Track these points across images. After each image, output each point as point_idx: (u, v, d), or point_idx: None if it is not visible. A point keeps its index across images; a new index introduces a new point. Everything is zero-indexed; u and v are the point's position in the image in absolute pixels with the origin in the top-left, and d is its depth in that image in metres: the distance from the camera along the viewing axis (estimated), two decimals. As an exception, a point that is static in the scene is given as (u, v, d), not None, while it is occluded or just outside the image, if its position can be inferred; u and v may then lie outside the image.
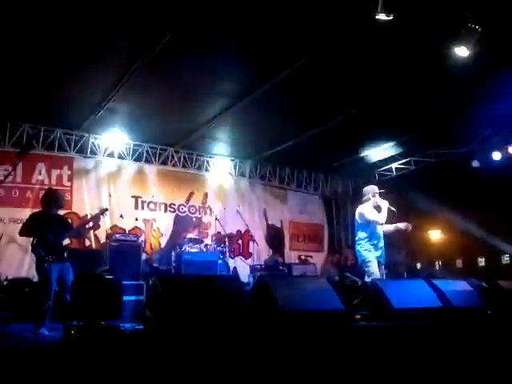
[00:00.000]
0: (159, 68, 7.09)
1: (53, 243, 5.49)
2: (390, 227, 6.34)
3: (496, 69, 6.92)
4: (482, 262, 11.39)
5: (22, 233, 5.80)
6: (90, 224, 7.15)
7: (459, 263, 11.74)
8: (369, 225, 6.18)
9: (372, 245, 6.10)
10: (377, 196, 6.30)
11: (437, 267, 12.01)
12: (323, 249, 12.75)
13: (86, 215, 9.39)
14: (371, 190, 6.38)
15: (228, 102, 8.35)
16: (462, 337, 4.45)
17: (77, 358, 2.89)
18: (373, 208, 6.25)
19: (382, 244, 6.20)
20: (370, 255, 6.06)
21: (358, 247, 6.24)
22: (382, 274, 6.16)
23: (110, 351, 3.03)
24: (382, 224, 6.21)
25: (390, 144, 10.31)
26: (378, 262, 6.10)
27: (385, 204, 6.19)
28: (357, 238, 6.30)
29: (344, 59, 6.92)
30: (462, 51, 6.12)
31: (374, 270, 5.99)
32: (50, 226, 5.56)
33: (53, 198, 5.90)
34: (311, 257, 12.28)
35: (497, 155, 9.61)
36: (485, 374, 3.94)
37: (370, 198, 6.30)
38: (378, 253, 6.12)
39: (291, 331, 3.92)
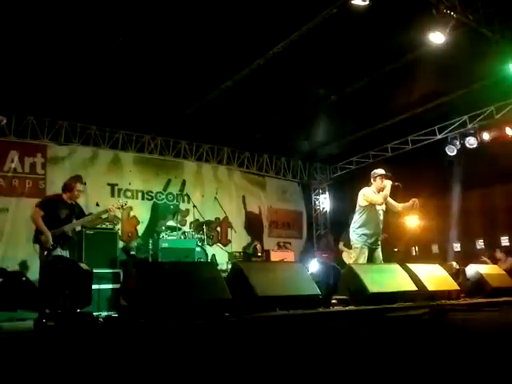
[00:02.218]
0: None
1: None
2: (398, 207, 6.29)
3: (471, 54, 6.99)
4: (457, 247, 11.55)
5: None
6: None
7: (435, 248, 11.91)
8: (366, 209, 6.16)
9: (364, 232, 6.10)
10: (378, 179, 6.20)
11: (413, 253, 12.16)
12: (302, 235, 12.83)
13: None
14: (375, 173, 6.31)
15: (209, 87, 8.26)
16: (436, 319, 4.52)
17: (49, 347, 2.85)
18: (375, 191, 6.21)
19: (378, 230, 6.18)
20: (359, 241, 6.09)
21: (351, 230, 6.26)
22: (378, 257, 6.18)
23: (83, 339, 2.99)
24: (380, 204, 6.17)
25: (367, 131, 10.35)
26: (371, 249, 6.12)
27: (388, 183, 6.11)
28: (352, 222, 6.30)
29: (320, 45, 6.91)
30: (436, 37, 6.16)
31: (359, 256, 6.02)
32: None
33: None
34: (290, 243, 12.35)
35: (472, 142, 9.73)
36: (460, 354, 4.00)
37: (373, 181, 6.27)
38: (372, 239, 6.12)
39: (268, 317, 3.93)
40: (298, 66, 7.53)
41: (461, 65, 7.31)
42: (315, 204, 13.29)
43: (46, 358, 2.67)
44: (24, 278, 8.00)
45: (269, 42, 6.90)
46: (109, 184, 10.11)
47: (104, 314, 5.97)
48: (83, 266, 4.18)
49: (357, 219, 6.19)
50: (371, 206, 6.16)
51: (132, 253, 9.09)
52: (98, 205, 9.79)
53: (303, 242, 12.71)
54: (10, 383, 2.54)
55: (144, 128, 10.19)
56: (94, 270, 6.20)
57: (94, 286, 6.39)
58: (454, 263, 7.57)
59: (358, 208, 6.26)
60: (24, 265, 8.28)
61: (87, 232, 7.76)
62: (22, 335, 3.11)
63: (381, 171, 6.28)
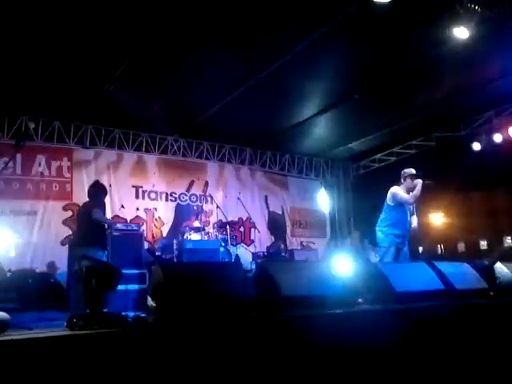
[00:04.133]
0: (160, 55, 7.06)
1: None
2: (410, 199, 6.17)
3: (496, 48, 6.86)
4: (484, 245, 11.36)
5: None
6: None
7: (461, 246, 11.74)
8: (395, 208, 6.13)
9: (392, 231, 6.07)
10: (409, 179, 6.15)
11: (439, 251, 12.01)
12: (326, 234, 12.76)
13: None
14: (406, 172, 6.27)
15: (228, 88, 8.29)
16: (465, 319, 4.46)
17: (80, 347, 2.90)
18: (405, 190, 6.17)
19: (406, 229, 6.15)
20: (386, 240, 6.07)
21: (377, 228, 6.24)
22: (405, 256, 6.14)
23: (113, 339, 3.04)
24: (411, 203, 6.15)
25: (390, 129, 10.25)
26: (398, 248, 6.08)
27: (419, 183, 6.07)
28: (379, 220, 6.28)
29: (344, 43, 6.87)
30: (461, 32, 6.07)
31: (386, 254, 6.00)
32: None
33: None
34: (313, 243, 12.30)
35: (498, 137, 9.56)
36: (489, 354, 3.95)
37: (403, 181, 6.23)
38: (400, 238, 6.10)
39: (294, 316, 3.93)
40: (319, 65, 7.50)
41: (485, 59, 7.19)
42: (339, 202, 13.21)
43: (79, 357, 2.73)
44: (52, 280, 8.17)
45: (289, 40, 6.89)
46: (133, 186, 10.24)
47: (131, 314, 6.04)
48: (110, 265, 4.25)
49: (385, 218, 6.16)
50: (400, 205, 6.13)
51: (157, 254, 9.17)
52: (123, 207, 9.95)
53: (327, 240, 12.64)
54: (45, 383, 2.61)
55: (167, 130, 10.29)
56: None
57: (121, 287, 6.50)
58: (484, 260, 7.42)
59: (386, 207, 6.22)
60: (52, 266, 8.44)
61: (114, 234, 7.86)
62: (53, 335, 3.17)
63: (411, 171, 6.24)
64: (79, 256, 5.44)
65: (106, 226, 6.28)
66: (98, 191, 6.27)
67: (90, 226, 5.78)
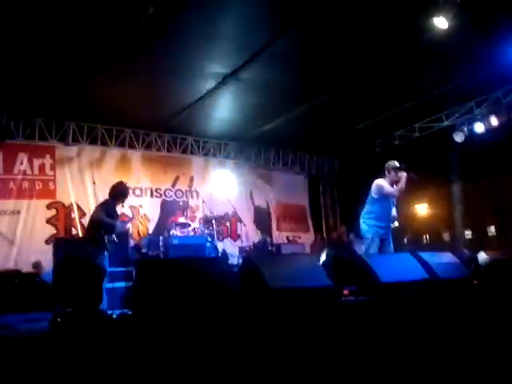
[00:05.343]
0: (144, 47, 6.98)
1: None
2: (395, 192, 6.18)
3: (477, 39, 6.91)
4: (468, 234, 11.50)
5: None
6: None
7: (446, 236, 11.86)
8: (379, 201, 6.14)
9: (375, 223, 6.09)
10: (393, 172, 6.16)
11: (424, 241, 12.12)
12: (309, 229, 12.79)
13: (71, 204, 9.34)
14: (389, 165, 6.27)
15: (212, 83, 8.25)
16: (449, 307, 4.51)
17: (65, 346, 2.88)
18: (389, 183, 6.18)
19: (389, 221, 6.20)
20: (370, 232, 6.09)
21: (361, 220, 6.25)
22: (389, 247, 6.17)
23: (98, 336, 3.02)
24: (396, 196, 6.18)
25: (374, 120, 10.29)
26: (382, 240, 6.12)
27: (403, 176, 6.07)
28: (362, 213, 6.29)
29: (324, 34, 6.87)
30: (441, 22, 6.10)
31: (371, 246, 6.02)
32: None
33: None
34: (299, 237, 12.33)
35: (479, 127, 9.63)
36: (473, 342, 4.00)
37: (387, 173, 6.24)
38: (384, 230, 6.12)
39: (281, 309, 3.93)
40: (300, 56, 7.49)
41: (467, 50, 7.23)
42: (324, 196, 13.26)
43: (63, 356, 2.70)
44: (38, 279, 8.08)
45: (270, 34, 6.85)
46: (118, 183, 10.14)
47: (117, 312, 6.02)
48: (95, 263, 4.23)
49: (368, 210, 6.18)
50: (384, 197, 6.15)
51: (143, 251, 9.13)
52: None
53: (312, 235, 12.68)
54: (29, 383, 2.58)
55: (150, 125, 10.22)
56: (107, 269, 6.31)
57: (108, 285, 6.47)
58: (466, 250, 7.52)
59: (370, 199, 6.24)
60: (38, 266, 8.36)
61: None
62: (37, 335, 3.15)
63: (395, 163, 6.24)
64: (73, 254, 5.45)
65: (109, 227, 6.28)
66: (112, 191, 6.56)
67: (90, 226, 5.93)
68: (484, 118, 9.54)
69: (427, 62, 7.63)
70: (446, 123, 10.24)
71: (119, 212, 9.83)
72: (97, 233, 6.14)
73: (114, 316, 3.58)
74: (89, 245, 5.99)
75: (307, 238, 12.39)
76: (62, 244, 7.85)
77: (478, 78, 8.23)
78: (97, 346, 2.92)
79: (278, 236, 12.01)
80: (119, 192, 6.62)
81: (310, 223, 12.85)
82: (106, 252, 6.18)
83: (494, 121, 9.41)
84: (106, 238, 6.15)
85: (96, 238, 6.12)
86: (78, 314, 3.41)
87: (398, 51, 7.33)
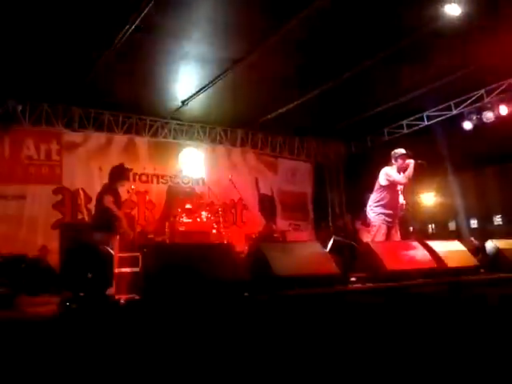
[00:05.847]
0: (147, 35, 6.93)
1: None
2: (403, 179, 6.20)
3: (486, 26, 6.82)
4: (474, 223, 11.46)
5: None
6: None
7: (452, 226, 11.83)
8: (386, 189, 6.15)
9: (383, 210, 6.11)
10: (400, 159, 6.15)
11: (430, 230, 12.09)
12: (308, 217, 12.73)
13: (77, 190, 9.35)
14: (396, 153, 6.26)
15: (219, 69, 8.20)
16: (456, 296, 4.50)
17: (74, 330, 2.89)
18: (397, 171, 6.17)
19: (397, 209, 6.21)
20: (377, 220, 6.12)
21: (368, 208, 6.28)
22: (396, 235, 6.20)
23: (107, 321, 3.03)
24: (404, 184, 6.18)
25: (382, 108, 10.21)
26: (389, 227, 6.13)
27: (411, 163, 6.07)
28: (369, 200, 6.31)
29: (332, 21, 6.80)
30: (453, 9, 6.03)
31: (377, 234, 6.05)
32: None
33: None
34: (299, 225, 12.28)
35: (488, 116, 9.55)
36: (481, 331, 3.99)
37: (394, 161, 6.23)
38: (391, 218, 6.15)
39: (287, 296, 3.94)
40: (307, 44, 7.42)
41: (477, 37, 7.14)
42: (330, 184, 13.20)
43: (71, 339, 2.72)
44: (44, 264, 8.13)
45: (279, 18, 6.79)
46: (124, 169, 10.13)
47: (124, 296, 6.05)
48: (104, 249, 4.24)
49: (376, 198, 6.18)
50: (392, 185, 6.14)
51: (149, 236, 9.14)
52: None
53: (311, 223, 12.60)
54: (37, 367, 2.60)
55: (157, 112, 10.19)
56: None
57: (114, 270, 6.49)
58: (473, 239, 7.50)
59: (378, 187, 6.24)
60: (44, 250, 8.40)
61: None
62: (46, 319, 3.16)
63: (402, 151, 6.23)
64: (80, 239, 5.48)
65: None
66: (112, 174, 6.53)
67: (98, 211, 5.95)
68: (493, 107, 9.46)
69: (437, 49, 7.54)
70: (454, 112, 10.14)
71: (125, 198, 9.97)
72: (104, 218, 6.15)
73: (122, 301, 3.59)
74: (96, 230, 6.00)
75: (305, 227, 12.33)
76: (69, 229, 7.87)
77: (488, 66, 8.12)
78: (105, 330, 2.93)
79: (282, 224, 11.97)
80: (117, 173, 6.60)
81: (311, 211, 12.78)
82: (113, 237, 6.19)
83: (504, 109, 9.32)
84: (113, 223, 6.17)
85: (103, 223, 6.13)
86: (87, 299, 3.43)
87: (407, 38, 7.23)
